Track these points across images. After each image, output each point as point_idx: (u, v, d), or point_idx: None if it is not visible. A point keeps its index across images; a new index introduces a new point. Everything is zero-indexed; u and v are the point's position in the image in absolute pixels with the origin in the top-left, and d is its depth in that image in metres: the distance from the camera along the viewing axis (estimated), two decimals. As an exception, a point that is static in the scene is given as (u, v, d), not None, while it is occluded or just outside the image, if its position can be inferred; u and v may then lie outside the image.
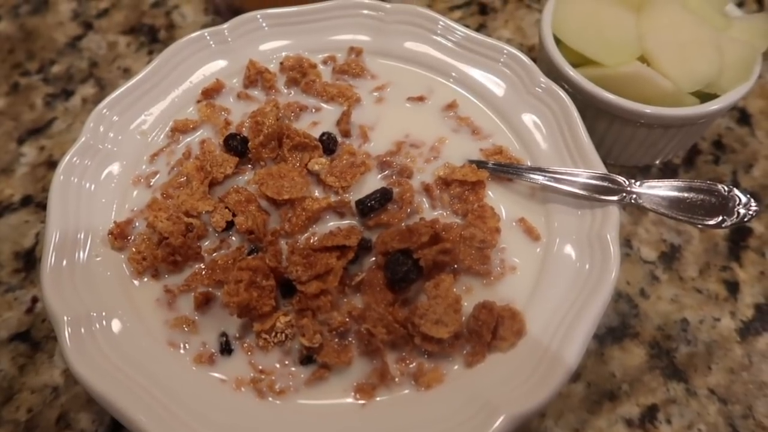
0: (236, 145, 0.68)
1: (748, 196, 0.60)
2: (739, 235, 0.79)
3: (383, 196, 0.64)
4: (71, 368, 0.53)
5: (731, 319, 0.72)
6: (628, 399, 0.67)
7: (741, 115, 0.91)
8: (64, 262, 0.60)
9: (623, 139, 0.78)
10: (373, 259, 0.62)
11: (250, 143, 0.68)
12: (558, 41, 0.78)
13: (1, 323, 0.72)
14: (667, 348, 0.70)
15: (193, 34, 0.76)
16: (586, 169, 0.65)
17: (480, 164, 0.68)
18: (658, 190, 0.63)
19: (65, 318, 0.56)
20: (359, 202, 0.64)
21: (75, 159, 0.65)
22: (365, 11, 0.80)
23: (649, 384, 0.68)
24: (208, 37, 0.77)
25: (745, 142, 0.88)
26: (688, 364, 0.69)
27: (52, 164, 0.86)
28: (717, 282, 0.75)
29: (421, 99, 0.75)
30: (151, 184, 0.69)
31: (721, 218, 0.59)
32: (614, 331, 0.72)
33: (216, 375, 0.57)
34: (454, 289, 0.59)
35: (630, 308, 0.73)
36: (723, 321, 0.72)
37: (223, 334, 0.59)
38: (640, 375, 0.69)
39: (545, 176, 0.65)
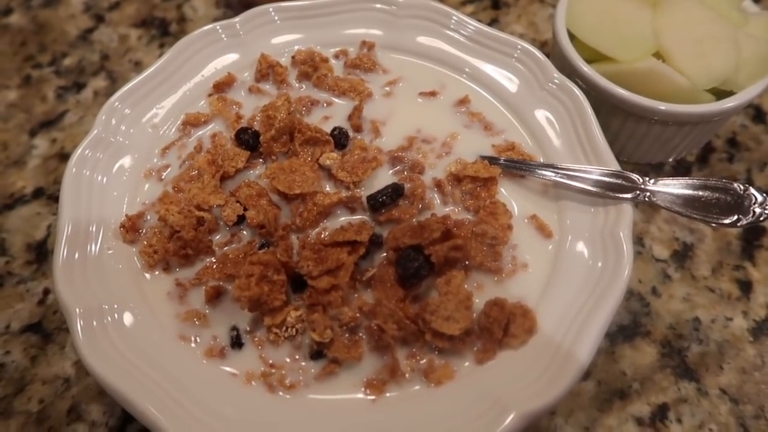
0: (248, 139, 0.68)
1: (765, 195, 0.59)
2: (753, 234, 0.78)
3: (395, 192, 0.64)
4: (83, 360, 0.54)
5: (744, 319, 0.72)
6: (638, 398, 0.67)
7: (756, 113, 0.90)
8: (77, 255, 0.61)
9: (637, 136, 0.77)
10: (384, 254, 0.62)
11: (261, 137, 0.68)
12: (572, 37, 0.77)
13: (13, 314, 0.73)
14: (679, 347, 0.70)
15: (205, 27, 0.76)
16: (599, 166, 0.65)
17: (492, 160, 0.68)
18: (673, 188, 0.62)
19: (77, 310, 0.56)
20: (370, 198, 0.63)
21: (87, 152, 0.66)
22: (378, 5, 0.79)
23: (660, 383, 0.68)
24: (219, 31, 0.77)
25: (759, 140, 0.87)
26: (700, 363, 0.69)
27: (63, 157, 0.86)
28: (730, 281, 0.75)
29: (433, 94, 0.75)
30: (163, 177, 0.69)
31: (736, 217, 0.59)
32: (625, 329, 0.71)
33: (226, 368, 0.57)
34: (465, 286, 0.59)
35: (641, 307, 0.73)
36: (735, 320, 0.72)
37: (234, 328, 0.59)
38: (651, 374, 0.68)
39: (558, 173, 0.65)
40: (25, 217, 0.81)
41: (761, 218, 0.58)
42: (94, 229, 0.63)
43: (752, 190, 0.59)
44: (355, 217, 0.65)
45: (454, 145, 0.70)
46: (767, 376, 0.68)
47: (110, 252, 0.63)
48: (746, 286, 0.74)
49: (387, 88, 0.75)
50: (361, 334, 0.59)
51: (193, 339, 0.59)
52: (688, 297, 0.73)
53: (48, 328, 0.72)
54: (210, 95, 0.75)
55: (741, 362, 0.69)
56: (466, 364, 0.57)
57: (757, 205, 0.59)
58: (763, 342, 0.70)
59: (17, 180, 0.84)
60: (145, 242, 0.63)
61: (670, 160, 0.83)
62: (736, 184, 0.60)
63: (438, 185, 0.67)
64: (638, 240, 0.77)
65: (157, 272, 0.63)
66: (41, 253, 0.78)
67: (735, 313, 0.72)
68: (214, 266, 0.62)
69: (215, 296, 0.60)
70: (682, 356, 0.69)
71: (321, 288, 0.58)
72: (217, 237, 0.64)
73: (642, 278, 0.75)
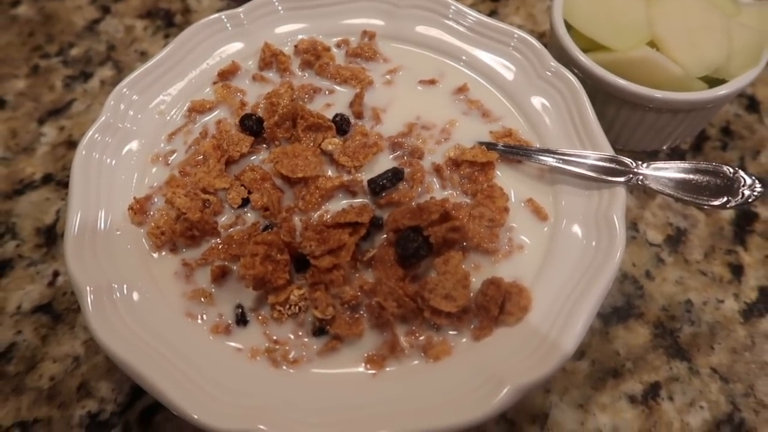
0: (252, 125, 0.70)
1: (753, 177, 0.61)
2: (745, 219, 0.80)
3: (395, 176, 0.66)
4: (94, 335, 0.56)
5: (735, 301, 0.74)
6: (631, 376, 0.69)
7: (750, 102, 0.92)
8: (87, 235, 0.62)
9: (632, 123, 0.79)
10: (384, 236, 0.64)
11: (265, 123, 0.70)
12: (569, 27, 0.79)
13: (24, 296, 0.75)
14: (671, 328, 0.72)
15: (211, 17, 0.78)
16: (593, 151, 0.66)
17: (490, 146, 0.69)
18: (665, 171, 0.64)
19: (88, 288, 0.58)
20: (371, 181, 0.65)
21: (97, 135, 0.68)
22: (378, -5, 0.81)
23: (652, 362, 0.70)
24: (224, 20, 0.79)
25: (753, 129, 0.89)
26: (692, 343, 0.71)
27: (71, 144, 0.88)
28: (722, 265, 0.76)
29: (432, 82, 0.76)
30: (169, 162, 0.71)
31: (725, 199, 0.61)
32: (619, 311, 0.73)
33: (232, 344, 0.60)
34: (463, 266, 0.61)
35: (635, 289, 0.75)
36: (727, 303, 0.74)
37: (239, 306, 0.61)
38: (644, 353, 0.70)
39: (554, 158, 0.67)
40: (35, 202, 0.83)
41: (750, 200, 0.60)
42: (103, 210, 0.65)
43: (741, 173, 0.61)
44: (356, 200, 0.67)
45: (452, 131, 0.72)
46: (757, 356, 0.70)
47: (119, 233, 0.65)
48: (738, 270, 0.76)
49: (387, 77, 0.77)
50: (362, 312, 0.61)
51: (199, 316, 0.61)
52: (681, 280, 0.75)
53: (58, 309, 0.74)
54: (215, 83, 0.77)
55: (732, 343, 0.71)
56: (464, 340, 0.59)
57: (746, 187, 0.61)
58: (754, 323, 0.72)
59: (27, 166, 0.86)
60: (153, 224, 0.65)
61: (665, 147, 0.85)
62: (725, 167, 0.62)
63: (437, 170, 0.68)
64: (633, 225, 0.79)
65: (164, 253, 0.64)
66: (50, 236, 0.80)
67: (726, 296, 0.74)
68: (220, 247, 0.64)
69: (221, 275, 0.62)
70: (675, 337, 0.71)
71: (323, 267, 0.60)
72: (223, 219, 0.66)
73: (636, 262, 0.77)
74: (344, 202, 0.67)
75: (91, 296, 0.58)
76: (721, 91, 0.73)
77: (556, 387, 0.68)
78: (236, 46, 0.80)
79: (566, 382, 0.68)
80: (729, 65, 0.73)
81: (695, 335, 0.71)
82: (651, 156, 0.85)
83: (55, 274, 0.76)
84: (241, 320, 0.61)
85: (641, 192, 0.81)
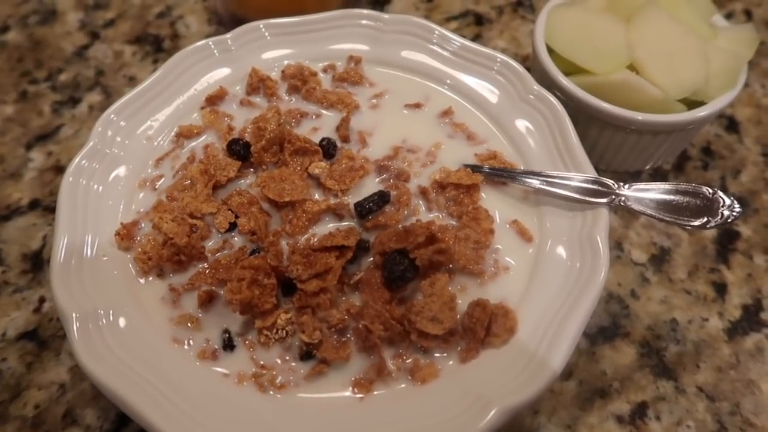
0: (239, 150, 0.70)
1: (732, 198, 0.62)
2: (727, 238, 0.81)
3: (381, 199, 0.66)
4: (80, 363, 0.55)
5: (719, 320, 0.75)
6: (618, 396, 0.69)
7: (729, 123, 0.94)
8: (73, 261, 0.62)
9: (614, 145, 0.80)
10: (371, 259, 0.64)
11: (252, 148, 0.70)
12: (551, 51, 0.81)
13: (9, 322, 0.74)
14: (657, 347, 0.72)
15: (198, 43, 0.79)
16: (576, 173, 0.67)
17: (475, 168, 0.70)
18: (646, 192, 0.65)
19: (74, 315, 0.58)
20: (358, 205, 0.66)
21: (84, 162, 0.68)
22: (364, 21, 0.82)
23: (639, 382, 0.70)
24: (212, 46, 0.79)
25: (733, 148, 0.91)
26: (677, 362, 0.71)
27: (59, 169, 0.88)
28: (705, 283, 0.77)
29: (417, 106, 0.78)
30: (157, 187, 0.71)
31: (705, 219, 0.62)
32: (605, 330, 0.74)
33: (219, 370, 0.59)
34: (449, 288, 0.61)
35: (621, 309, 0.75)
36: (711, 321, 0.74)
37: (226, 331, 0.61)
38: (631, 373, 0.71)
39: (538, 180, 0.68)
40: (22, 228, 0.83)
41: (729, 220, 0.61)
42: (90, 236, 0.65)
43: (720, 194, 0.62)
44: (342, 224, 0.67)
45: (438, 154, 0.73)
46: (742, 374, 0.71)
47: (105, 259, 0.65)
48: (721, 288, 0.77)
49: (373, 101, 0.78)
50: (349, 336, 0.61)
51: (186, 342, 0.61)
52: (666, 299, 0.76)
53: (43, 336, 0.73)
54: (203, 108, 0.77)
55: (717, 361, 0.72)
56: (451, 362, 0.59)
57: (725, 207, 0.62)
58: (738, 341, 0.73)
59: (14, 192, 0.86)
60: (140, 249, 0.65)
61: (647, 168, 0.86)
62: (705, 188, 0.63)
63: (423, 192, 0.69)
64: (617, 245, 0.80)
65: (151, 278, 0.64)
66: (37, 262, 0.79)
67: (711, 314, 0.75)
68: (207, 272, 0.64)
69: (208, 300, 0.62)
70: (660, 356, 0.72)
71: (310, 291, 0.60)
72: (210, 243, 0.66)
73: (621, 282, 0.77)
74: (331, 225, 0.67)
75: (77, 323, 0.57)
76: (700, 112, 0.75)
77: (544, 408, 0.68)
78: (224, 72, 0.80)
79: (554, 403, 0.68)
80: (707, 87, 0.75)
81: (681, 354, 0.72)
82: (634, 176, 0.87)
83: (41, 300, 0.76)
84: (228, 345, 0.61)
85: (625, 212, 0.83)
